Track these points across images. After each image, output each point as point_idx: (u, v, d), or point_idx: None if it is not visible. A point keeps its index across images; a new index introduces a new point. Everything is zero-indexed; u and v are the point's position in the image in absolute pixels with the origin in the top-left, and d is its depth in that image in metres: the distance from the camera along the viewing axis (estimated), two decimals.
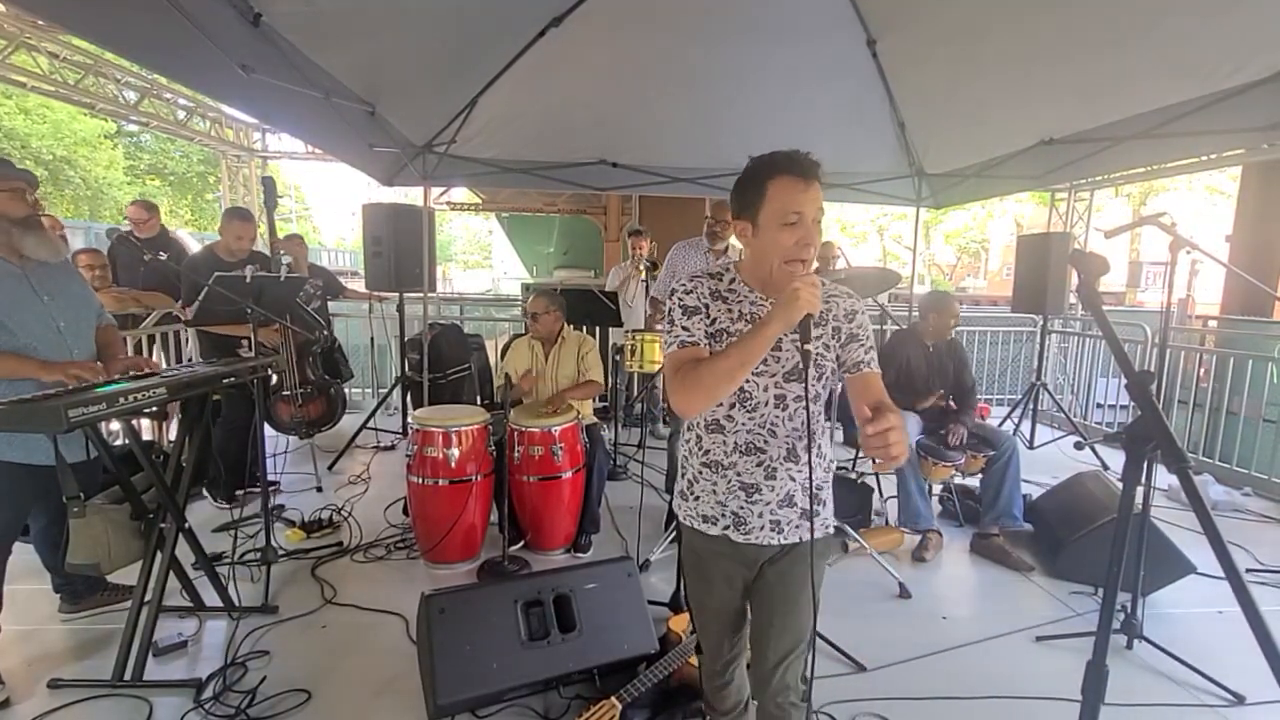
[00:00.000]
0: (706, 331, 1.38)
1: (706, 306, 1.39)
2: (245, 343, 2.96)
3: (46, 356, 2.09)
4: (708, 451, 1.45)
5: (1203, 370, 5.22)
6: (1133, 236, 17.89)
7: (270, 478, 3.48)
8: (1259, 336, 5.27)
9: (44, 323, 2.12)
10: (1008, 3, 2.87)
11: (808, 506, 1.42)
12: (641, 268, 4.72)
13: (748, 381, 1.37)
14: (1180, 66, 2.76)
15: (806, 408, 1.37)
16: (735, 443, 1.41)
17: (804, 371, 1.30)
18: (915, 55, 3.50)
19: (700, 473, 1.47)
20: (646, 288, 4.50)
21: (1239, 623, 0.87)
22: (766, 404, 1.39)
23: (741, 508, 1.43)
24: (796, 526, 1.44)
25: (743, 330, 1.36)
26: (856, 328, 1.40)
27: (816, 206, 1.30)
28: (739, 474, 1.42)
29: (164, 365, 4.05)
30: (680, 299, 1.40)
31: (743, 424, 1.40)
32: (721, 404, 1.40)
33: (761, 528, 1.43)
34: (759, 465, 1.41)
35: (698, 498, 1.48)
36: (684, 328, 1.38)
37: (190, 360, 4.46)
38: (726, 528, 1.45)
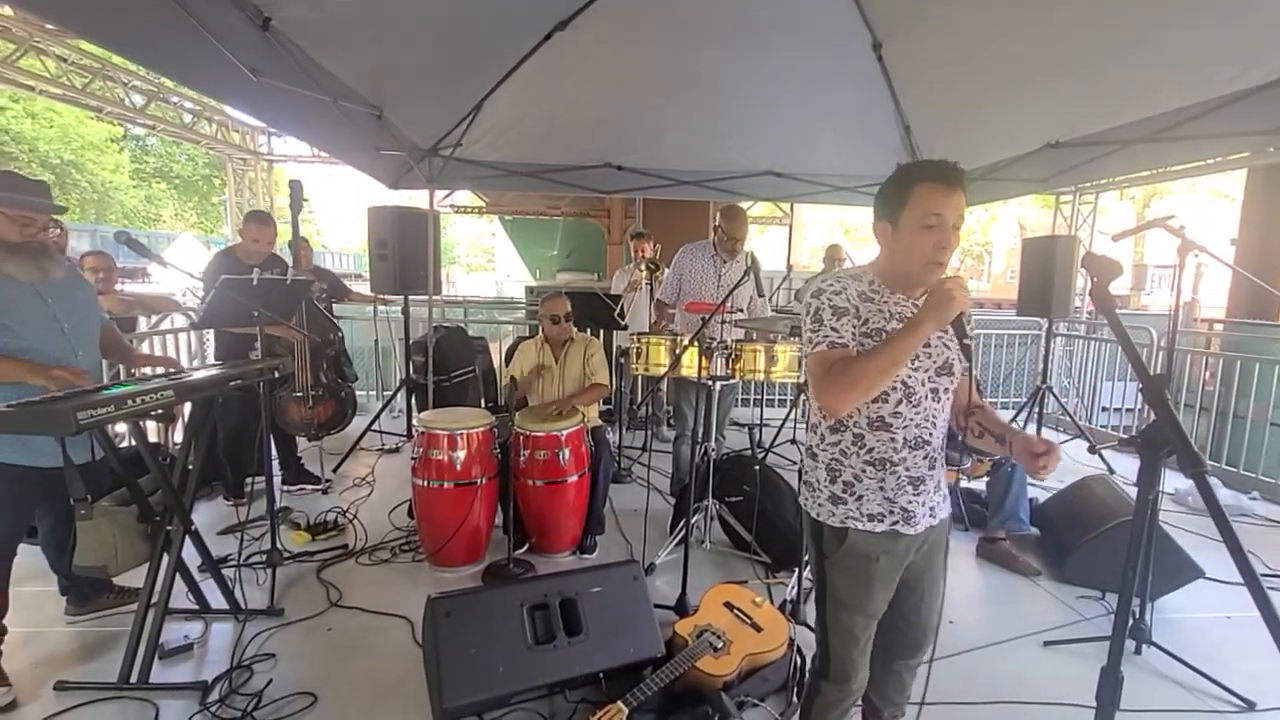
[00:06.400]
0: (860, 332, 1.41)
1: (856, 308, 1.41)
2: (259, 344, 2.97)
3: (50, 357, 2.09)
4: (872, 449, 1.46)
5: (1208, 374, 5.21)
6: (1137, 239, 17.86)
7: (277, 479, 3.51)
8: (1265, 340, 5.25)
9: (47, 324, 2.12)
10: (1013, 6, 2.87)
11: (946, 491, 1.56)
12: (643, 267, 4.72)
13: (910, 377, 1.42)
14: (1184, 71, 2.76)
15: (970, 397, 1.41)
16: (904, 438, 1.45)
17: (968, 365, 1.37)
18: (921, 58, 3.49)
19: (864, 471, 1.47)
20: (651, 290, 4.50)
21: (1248, 628, 0.87)
22: (927, 397, 1.44)
23: (910, 501, 1.47)
24: (943, 506, 1.54)
25: (896, 328, 1.40)
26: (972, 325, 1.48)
27: (958, 213, 1.35)
28: (908, 469, 1.46)
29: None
30: (830, 299, 1.41)
31: (910, 419, 1.44)
32: (888, 401, 1.42)
33: (924, 516, 1.49)
34: (924, 458, 1.47)
35: (860, 497, 1.47)
36: (833, 328, 1.40)
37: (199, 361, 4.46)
38: (895, 523, 1.47)
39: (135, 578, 2.27)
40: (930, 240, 1.34)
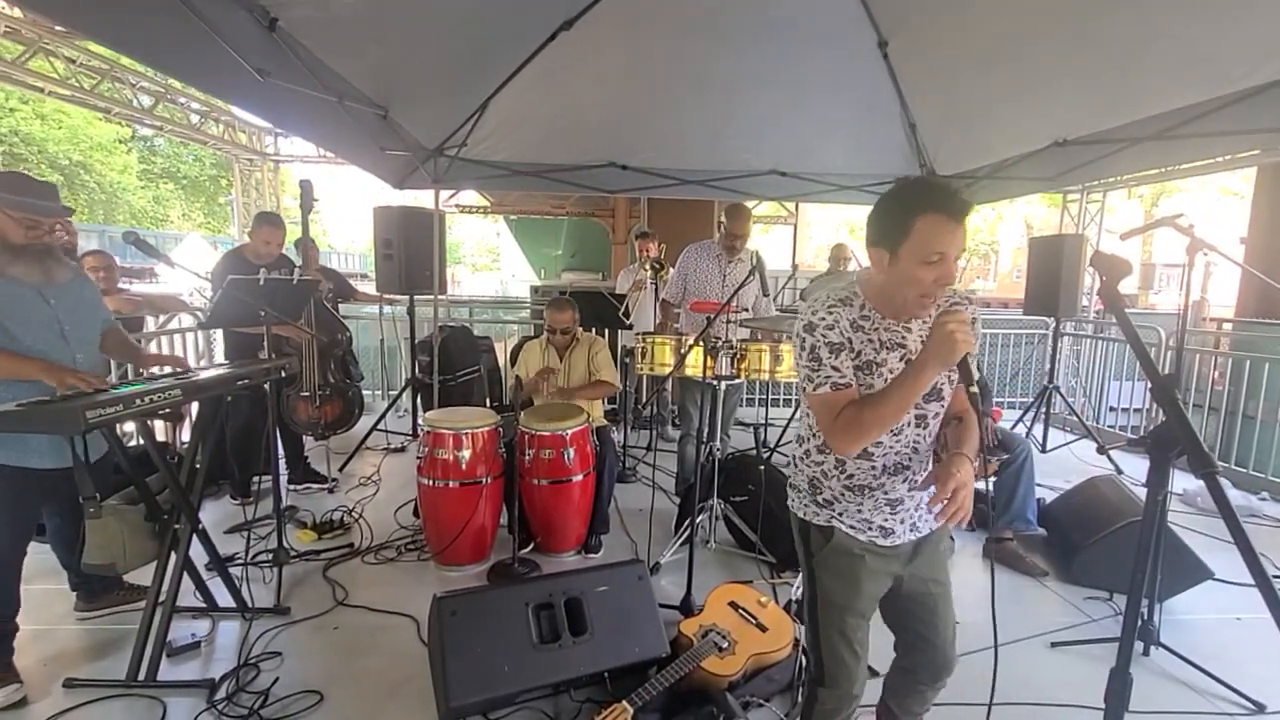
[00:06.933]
0: (853, 365, 1.38)
1: (849, 340, 1.37)
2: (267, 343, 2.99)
3: (49, 360, 2.07)
4: (851, 475, 1.46)
5: (1217, 373, 5.17)
6: (1145, 238, 17.75)
7: (284, 478, 3.53)
8: (1274, 339, 5.21)
9: (48, 325, 2.11)
10: (1018, 3, 2.85)
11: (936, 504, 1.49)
12: (648, 267, 4.72)
13: None
14: (1194, 68, 2.74)
15: (984, 448, 1.37)
16: (884, 465, 1.44)
17: (976, 411, 1.34)
18: (927, 57, 3.48)
19: (842, 494, 1.47)
20: (656, 289, 4.49)
21: (1258, 629, 0.86)
22: (910, 425, 1.42)
23: (887, 521, 1.47)
24: (926, 520, 1.51)
25: (888, 359, 1.38)
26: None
27: (960, 246, 1.29)
28: (886, 492, 1.45)
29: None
30: (824, 335, 1.36)
31: (890, 447, 1.43)
32: None
33: (904, 531, 1.49)
34: (903, 481, 1.45)
35: (839, 514, 1.48)
36: (834, 368, 1.35)
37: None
38: (871, 538, 1.47)
39: (144, 576, 2.28)
40: (931, 275, 1.28)
